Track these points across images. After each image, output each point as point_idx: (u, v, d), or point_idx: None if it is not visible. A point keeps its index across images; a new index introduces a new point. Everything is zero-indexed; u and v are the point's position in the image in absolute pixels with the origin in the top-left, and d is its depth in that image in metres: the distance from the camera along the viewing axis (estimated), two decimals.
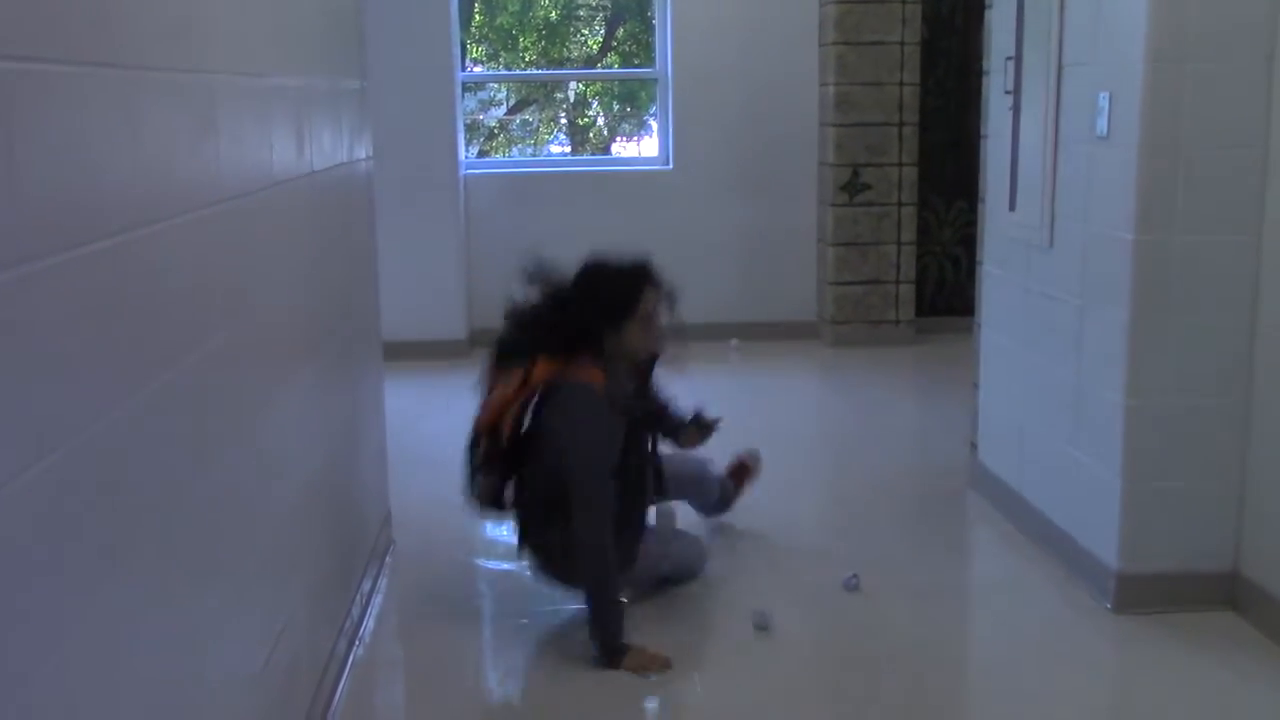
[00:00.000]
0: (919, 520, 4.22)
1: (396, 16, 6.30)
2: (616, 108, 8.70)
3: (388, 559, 3.81)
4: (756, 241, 7.00)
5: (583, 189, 6.96)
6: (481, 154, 8.04)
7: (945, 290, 7.15)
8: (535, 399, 3.24)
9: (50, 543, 1.41)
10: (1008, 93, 3.94)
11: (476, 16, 8.12)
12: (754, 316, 6.96)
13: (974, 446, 4.38)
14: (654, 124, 7.32)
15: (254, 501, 2.32)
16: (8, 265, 1.31)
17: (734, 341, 6.78)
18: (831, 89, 6.63)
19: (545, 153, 8.61)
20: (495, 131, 8.48)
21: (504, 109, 8.59)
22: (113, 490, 1.60)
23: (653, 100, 7.38)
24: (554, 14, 8.43)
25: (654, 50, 7.14)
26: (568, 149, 8.75)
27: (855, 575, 3.54)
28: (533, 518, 3.31)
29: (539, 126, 8.81)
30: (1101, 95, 3.30)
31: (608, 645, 3.07)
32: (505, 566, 3.73)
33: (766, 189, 6.95)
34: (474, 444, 3.29)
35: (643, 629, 3.22)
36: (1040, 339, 3.79)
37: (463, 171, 6.81)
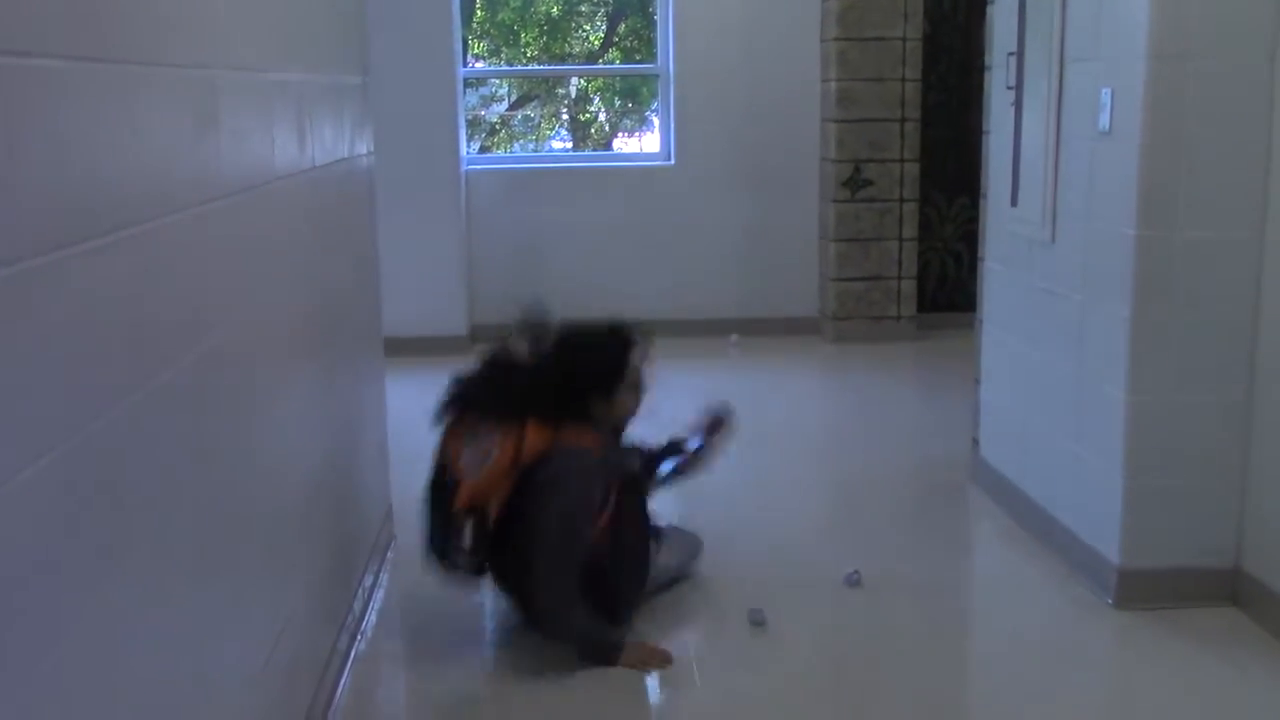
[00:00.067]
0: (920, 516, 4.22)
1: (398, 12, 6.29)
2: (618, 103, 8.68)
3: (389, 554, 3.81)
4: (758, 237, 6.99)
5: (584, 185, 6.96)
6: (483, 150, 8.02)
7: (947, 286, 7.14)
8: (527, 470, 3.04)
9: (48, 542, 1.41)
10: (1010, 88, 3.93)
11: (478, 12, 8.11)
12: (755, 312, 6.95)
13: (975, 442, 4.38)
14: (655, 120, 7.31)
15: (254, 499, 2.31)
16: (6, 262, 1.31)
17: (734, 337, 6.78)
18: (833, 84, 6.62)
19: (547, 148, 8.58)
20: (497, 127, 8.46)
21: (505, 105, 8.57)
22: (111, 489, 1.60)
23: (654, 96, 7.37)
24: (556, 9, 8.42)
25: (656, 46, 7.13)
26: (569, 145, 8.73)
27: (856, 571, 3.55)
28: (518, 588, 3.22)
29: (540, 122, 8.79)
30: (1104, 91, 3.29)
31: (599, 648, 3.07)
32: None
33: (768, 184, 6.95)
34: (437, 499, 3.14)
35: (642, 628, 3.23)
36: (1042, 335, 3.78)
37: (464, 167, 6.81)
